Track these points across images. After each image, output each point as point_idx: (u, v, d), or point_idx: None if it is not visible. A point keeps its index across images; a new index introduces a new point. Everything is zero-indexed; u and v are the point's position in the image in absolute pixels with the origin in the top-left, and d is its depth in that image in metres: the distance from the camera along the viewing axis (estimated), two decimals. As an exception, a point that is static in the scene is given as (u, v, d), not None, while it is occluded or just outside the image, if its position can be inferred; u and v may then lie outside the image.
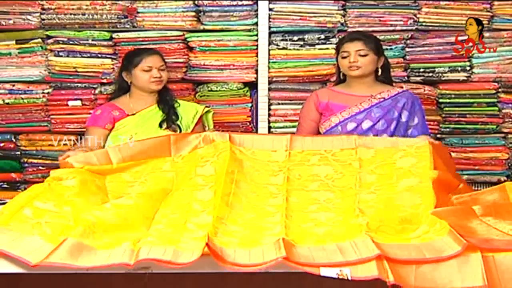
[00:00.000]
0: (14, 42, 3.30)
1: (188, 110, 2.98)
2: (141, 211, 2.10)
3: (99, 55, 3.31)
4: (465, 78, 3.39)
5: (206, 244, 1.69)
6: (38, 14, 3.30)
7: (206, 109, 3.05)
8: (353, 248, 1.69)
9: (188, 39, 3.34)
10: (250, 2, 3.34)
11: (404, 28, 3.37)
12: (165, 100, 2.96)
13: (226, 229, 1.93)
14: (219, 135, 2.46)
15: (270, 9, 3.33)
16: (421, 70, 3.38)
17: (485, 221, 1.97)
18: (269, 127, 3.37)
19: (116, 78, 3.10)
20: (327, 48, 3.34)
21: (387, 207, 2.04)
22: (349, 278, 1.57)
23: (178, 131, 2.87)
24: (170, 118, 2.89)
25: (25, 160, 3.37)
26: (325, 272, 1.60)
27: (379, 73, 2.85)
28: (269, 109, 3.38)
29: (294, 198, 2.18)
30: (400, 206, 2.05)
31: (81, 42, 3.31)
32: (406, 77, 3.36)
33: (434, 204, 2.00)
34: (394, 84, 2.98)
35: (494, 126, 3.40)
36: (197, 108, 3.03)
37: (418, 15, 3.36)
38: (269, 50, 3.34)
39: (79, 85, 3.34)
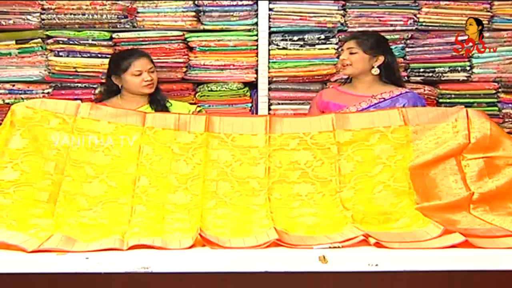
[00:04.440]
0: (14, 42, 3.30)
1: (181, 109, 2.98)
2: (117, 209, 2.12)
3: (99, 55, 3.32)
4: (465, 78, 3.39)
5: (199, 234, 1.78)
6: (38, 14, 3.30)
7: (198, 108, 3.08)
8: (341, 236, 1.84)
9: (188, 39, 3.35)
10: (250, 2, 3.34)
11: (404, 28, 3.37)
12: (157, 100, 2.98)
13: (216, 223, 2.02)
14: (197, 120, 2.39)
15: (270, 9, 3.33)
16: (421, 70, 3.38)
17: (473, 213, 2.03)
18: (269, 127, 3.37)
19: (105, 81, 3.10)
20: (327, 48, 3.34)
21: (366, 207, 2.12)
22: (340, 246, 1.77)
23: None
24: None
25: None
26: (317, 247, 1.77)
27: (378, 72, 2.85)
28: (269, 109, 3.38)
29: (276, 194, 2.22)
30: (379, 206, 2.13)
31: (81, 42, 3.31)
32: (406, 77, 3.36)
33: (413, 199, 2.11)
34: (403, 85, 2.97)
35: (494, 126, 3.40)
36: (189, 107, 3.05)
37: (418, 15, 3.36)
38: (269, 50, 3.34)
39: (79, 85, 3.34)
